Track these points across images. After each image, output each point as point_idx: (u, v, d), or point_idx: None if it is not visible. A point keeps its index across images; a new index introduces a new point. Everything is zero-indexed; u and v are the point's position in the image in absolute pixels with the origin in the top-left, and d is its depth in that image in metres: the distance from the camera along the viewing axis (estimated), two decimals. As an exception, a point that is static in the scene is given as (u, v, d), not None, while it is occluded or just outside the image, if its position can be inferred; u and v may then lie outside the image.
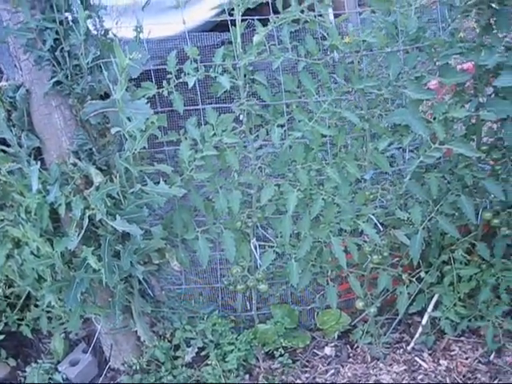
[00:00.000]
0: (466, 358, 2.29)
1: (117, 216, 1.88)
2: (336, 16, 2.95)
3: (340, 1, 3.61)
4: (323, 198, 2.07)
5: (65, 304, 2.02)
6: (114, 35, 1.98)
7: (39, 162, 1.89)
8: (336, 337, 2.43)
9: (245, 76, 2.04)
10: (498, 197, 2.09)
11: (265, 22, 2.03)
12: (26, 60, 1.86)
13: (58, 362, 2.40)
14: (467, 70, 2.12)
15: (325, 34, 2.02)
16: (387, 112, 2.05)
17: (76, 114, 1.96)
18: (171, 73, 2.02)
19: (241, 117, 2.07)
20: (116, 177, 1.93)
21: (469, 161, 2.10)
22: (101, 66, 1.93)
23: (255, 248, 2.24)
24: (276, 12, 2.04)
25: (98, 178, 1.94)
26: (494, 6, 2.00)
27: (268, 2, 2.06)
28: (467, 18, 2.07)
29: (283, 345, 2.35)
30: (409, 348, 2.35)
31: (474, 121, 2.13)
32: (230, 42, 2.05)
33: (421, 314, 2.36)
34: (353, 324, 2.41)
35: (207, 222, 2.19)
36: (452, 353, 2.31)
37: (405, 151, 2.44)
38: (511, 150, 2.11)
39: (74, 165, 1.97)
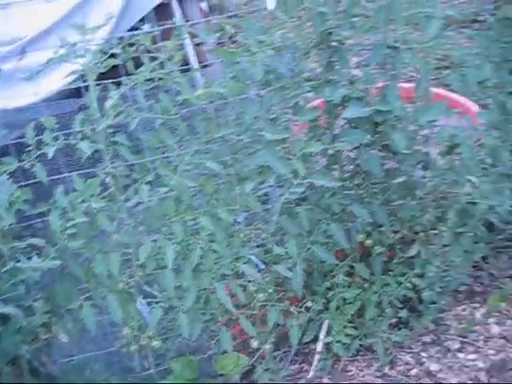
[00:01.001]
0: (363, 376, 2.37)
1: (-9, 298, 1.83)
2: (203, 67, 3.05)
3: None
4: (201, 247, 2.11)
5: None
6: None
7: None
8: (238, 379, 2.45)
9: (106, 139, 2.07)
10: (365, 219, 2.21)
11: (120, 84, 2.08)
12: None
13: None
14: (318, 106, 2.25)
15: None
16: (250, 155, 2.13)
17: None
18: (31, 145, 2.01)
19: (107, 180, 2.08)
20: (-15, 259, 1.88)
21: (333, 190, 2.21)
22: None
23: (143, 306, 2.23)
24: (130, 73, 2.09)
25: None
26: (333, 44, 2.15)
27: (122, 64, 2.11)
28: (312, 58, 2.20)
29: (187, 397, 2.34)
30: (309, 376, 2.41)
31: (332, 152, 2.25)
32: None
33: (315, 341, 2.43)
34: (251, 364, 2.45)
35: (90, 288, 2.16)
36: (349, 373, 2.38)
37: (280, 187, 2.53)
38: (370, 175, 2.24)
39: None
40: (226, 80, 2.04)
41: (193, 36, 2.16)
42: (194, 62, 3.18)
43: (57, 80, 3.25)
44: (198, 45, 3.63)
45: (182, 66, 2.16)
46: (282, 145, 2.12)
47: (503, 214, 2.27)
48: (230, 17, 2.97)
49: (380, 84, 2.21)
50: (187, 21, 3.40)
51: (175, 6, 3.41)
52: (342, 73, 2.12)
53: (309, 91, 2.11)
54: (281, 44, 2.10)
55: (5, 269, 1.93)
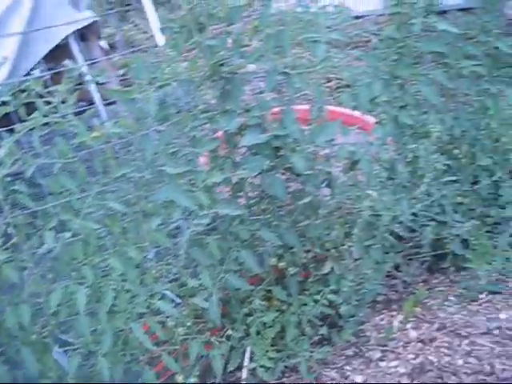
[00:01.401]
0: (290, 397, 2.40)
1: None
2: (109, 104, 3.03)
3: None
4: (113, 288, 2.09)
5: None
6: None
7: None
8: (166, 416, 2.43)
9: (4, 188, 2.02)
10: (274, 243, 2.24)
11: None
12: None
13: None
14: (218, 136, 2.28)
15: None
16: (153, 191, 2.13)
17: None
18: None
19: (9, 230, 2.03)
20: None
21: (241, 217, 2.24)
22: None
23: (60, 355, 2.18)
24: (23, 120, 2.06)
25: None
26: (227, 75, 2.19)
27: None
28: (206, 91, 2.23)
29: None
30: (237, 405, 2.42)
31: (236, 180, 2.28)
32: (-17, 158, 2.02)
33: (241, 369, 2.44)
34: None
35: (2, 341, 2.10)
36: (278, 392, 2.41)
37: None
38: (275, 198, 2.28)
39: None
40: (121, 119, 2.05)
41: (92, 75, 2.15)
42: (98, 101, 3.16)
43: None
44: (101, 84, 3.63)
45: (88, 105, 2.15)
46: (186, 177, 2.13)
47: (406, 222, 2.36)
48: (123, 55, 2.98)
49: (276, 109, 2.27)
50: (87, 60, 3.39)
51: (74, 46, 3.39)
52: (237, 102, 2.16)
53: (206, 123, 2.14)
54: (175, 79, 2.12)
55: None
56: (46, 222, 2.08)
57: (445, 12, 2.65)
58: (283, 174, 2.35)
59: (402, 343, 2.48)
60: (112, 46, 5.38)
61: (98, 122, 2.09)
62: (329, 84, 3.90)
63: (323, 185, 2.42)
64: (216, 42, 2.09)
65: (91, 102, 2.88)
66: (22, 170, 2.05)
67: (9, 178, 2.05)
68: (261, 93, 2.24)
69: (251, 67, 2.22)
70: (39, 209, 2.09)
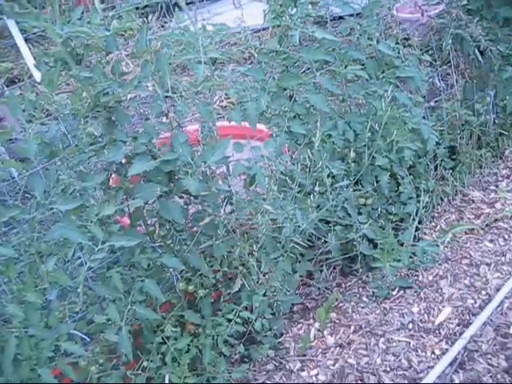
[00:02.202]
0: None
1: None
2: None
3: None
4: (16, 336, 2.01)
5: None
6: None
7: None
8: None
9: None
10: (178, 268, 2.22)
11: None
12: None
13: None
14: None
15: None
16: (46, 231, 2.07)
17: None
18: None
19: None
20: None
21: (141, 246, 2.20)
22: None
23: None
24: None
25: None
26: (110, 105, 2.16)
27: None
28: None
29: None
30: None
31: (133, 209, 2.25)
32: None
33: (161, 399, 2.39)
34: None
35: None
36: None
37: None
38: (174, 222, 2.26)
39: None
40: (5, 160, 1.99)
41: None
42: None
43: None
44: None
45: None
46: (78, 213, 2.08)
47: (307, 231, 2.39)
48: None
49: (167, 134, 2.25)
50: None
51: None
52: (122, 131, 2.14)
53: (93, 155, 2.11)
54: (56, 114, 2.08)
55: None
56: None
57: (326, 22, 2.71)
58: (181, 197, 2.34)
59: (320, 350, 2.51)
60: (12, 81, 5.28)
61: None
62: (229, 100, 3.92)
63: (224, 203, 2.42)
64: (93, 73, 2.06)
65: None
66: None
67: None
68: (147, 119, 2.22)
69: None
70: None
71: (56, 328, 2.12)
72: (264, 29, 4.18)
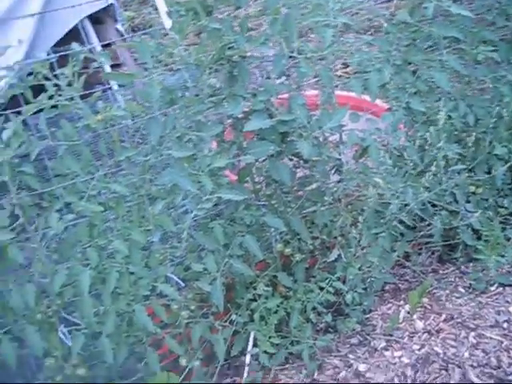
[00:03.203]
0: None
1: None
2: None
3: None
4: (117, 270, 2.10)
5: None
6: None
7: None
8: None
9: (11, 170, 2.04)
10: (279, 228, 2.23)
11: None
12: None
13: None
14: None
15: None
16: (157, 175, 2.13)
17: None
18: None
19: (15, 211, 2.05)
20: None
21: (246, 202, 2.23)
22: None
23: (64, 335, 2.20)
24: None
25: None
26: (234, 59, 2.17)
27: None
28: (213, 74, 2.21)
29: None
30: (240, 389, 2.42)
31: (243, 165, 2.27)
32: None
33: (244, 354, 2.44)
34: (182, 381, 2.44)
35: (8, 321, 2.13)
36: (279, 381, 2.40)
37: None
38: (281, 184, 2.27)
39: None
40: (126, 102, 2.05)
41: (93, 60, 2.14)
42: (113, 83, 3.17)
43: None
44: (118, 65, 3.64)
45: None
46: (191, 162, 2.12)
47: (414, 211, 2.33)
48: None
49: (285, 95, 2.24)
50: (103, 44, 3.40)
51: (88, 29, 3.40)
52: (243, 86, 2.14)
53: (212, 107, 2.13)
54: (181, 62, 2.11)
55: None
56: (51, 203, 2.09)
57: (462, -3, 2.59)
58: (291, 159, 2.33)
59: (407, 333, 2.46)
60: (134, 29, 5.40)
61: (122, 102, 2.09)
62: (344, 70, 3.86)
63: (332, 171, 2.39)
64: (222, 25, 2.07)
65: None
66: (29, 152, 2.06)
67: (16, 160, 2.07)
68: (268, 77, 2.21)
69: (260, 51, 2.20)
70: (45, 190, 2.10)
71: (155, 269, 2.20)
72: (389, 0, 4.07)
